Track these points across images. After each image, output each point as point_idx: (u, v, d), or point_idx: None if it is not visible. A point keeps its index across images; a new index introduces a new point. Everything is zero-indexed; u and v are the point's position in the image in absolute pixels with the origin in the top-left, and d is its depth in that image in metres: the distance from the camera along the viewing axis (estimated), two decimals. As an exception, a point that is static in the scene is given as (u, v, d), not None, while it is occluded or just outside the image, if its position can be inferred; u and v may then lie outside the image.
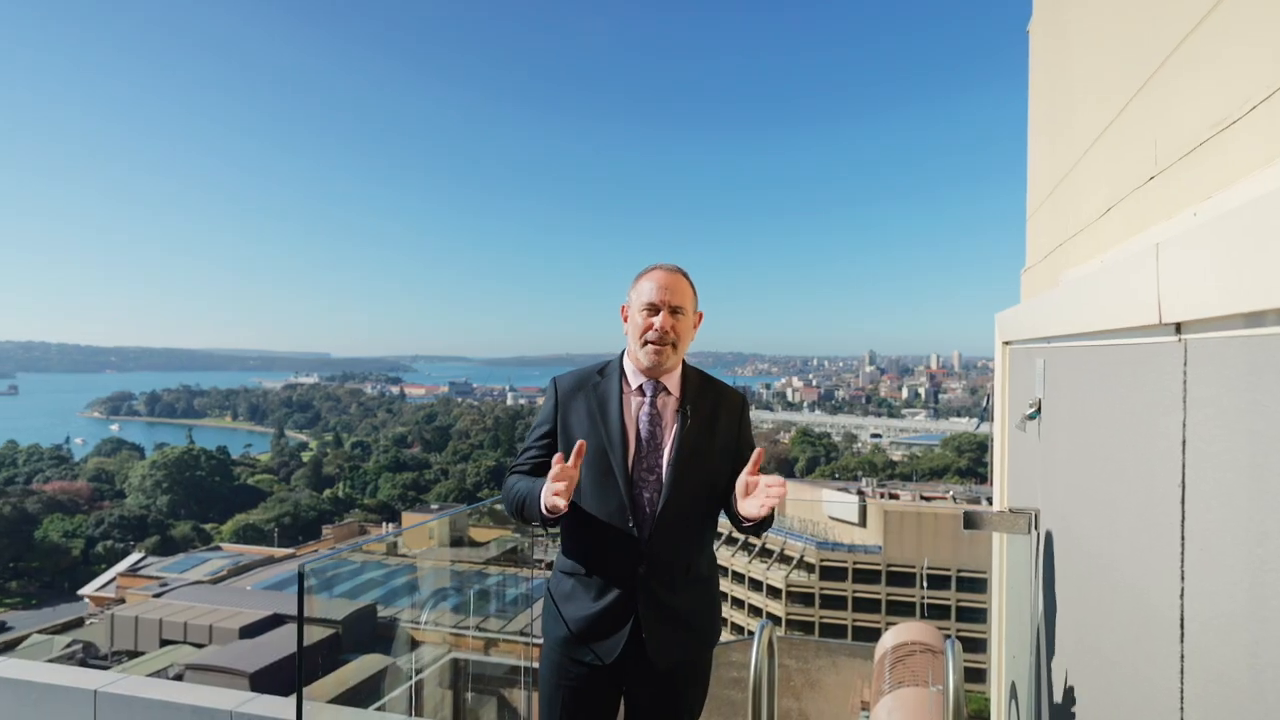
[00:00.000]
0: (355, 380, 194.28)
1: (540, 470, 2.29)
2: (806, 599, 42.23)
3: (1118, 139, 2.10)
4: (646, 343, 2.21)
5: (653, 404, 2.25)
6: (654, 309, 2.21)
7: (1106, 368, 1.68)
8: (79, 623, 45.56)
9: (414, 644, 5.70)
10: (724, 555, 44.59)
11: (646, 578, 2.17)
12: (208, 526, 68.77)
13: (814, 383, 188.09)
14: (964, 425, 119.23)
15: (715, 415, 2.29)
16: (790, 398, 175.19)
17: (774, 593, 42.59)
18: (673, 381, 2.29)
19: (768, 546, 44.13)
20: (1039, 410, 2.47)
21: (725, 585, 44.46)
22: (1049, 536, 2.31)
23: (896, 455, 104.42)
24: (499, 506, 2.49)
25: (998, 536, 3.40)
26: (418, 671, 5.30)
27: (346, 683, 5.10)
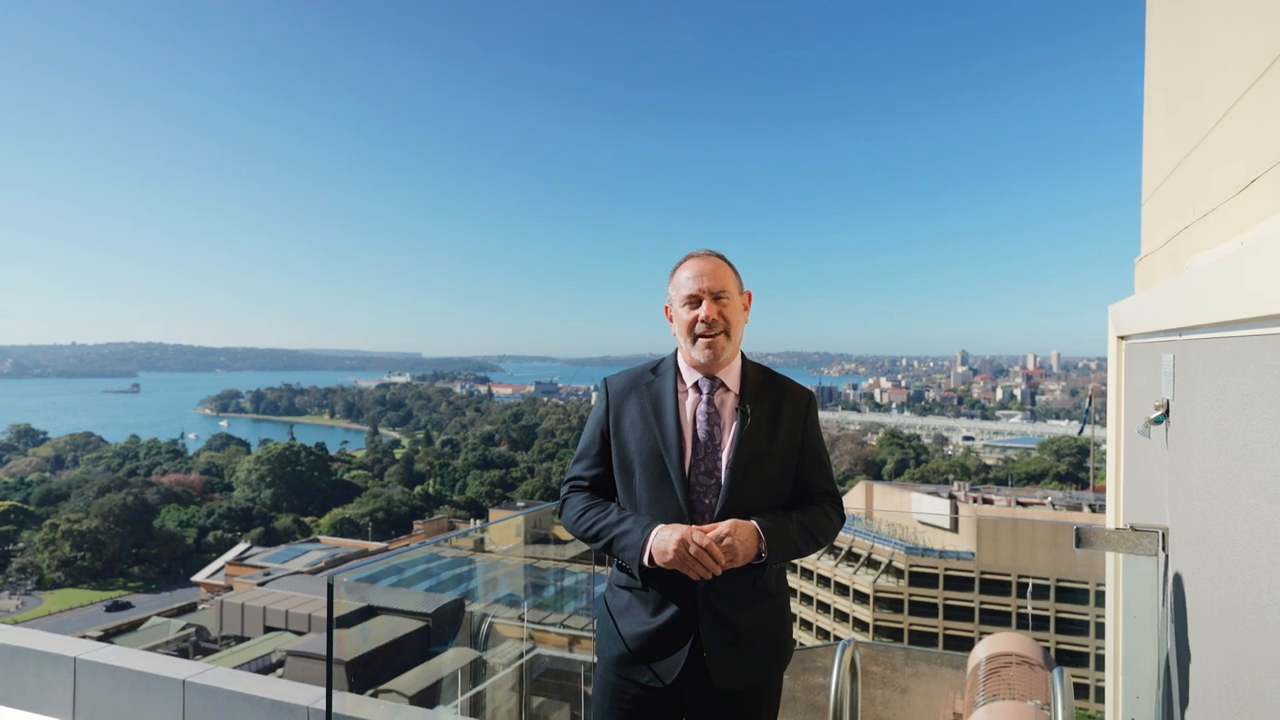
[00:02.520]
0: (445, 380, 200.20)
1: (599, 485, 2.19)
2: (895, 605, 41.02)
3: (1262, 102, 1.82)
4: (696, 337, 2.08)
5: (709, 402, 2.11)
6: (695, 300, 2.08)
7: (1256, 363, 1.44)
8: (192, 607, 48.46)
9: (501, 639, 5.76)
10: (808, 558, 43.71)
11: (707, 591, 2.01)
12: (307, 519, 71.92)
13: (903, 383, 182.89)
14: (1064, 428, 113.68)
15: (778, 412, 2.12)
16: (878, 398, 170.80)
17: (861, 598, 41.52)
18: (731, 377, 2.14)
19: (854, 550, 43.08)
20: (1167, 413, 2.18)
21: (810, 589, 43.63)
22: (1182, 560, 2.03)
23: (990, 459, 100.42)
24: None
25: (1113, 556, 3.06)
26: (504, 666, 5.34)
27: (435, 674, 5.16)
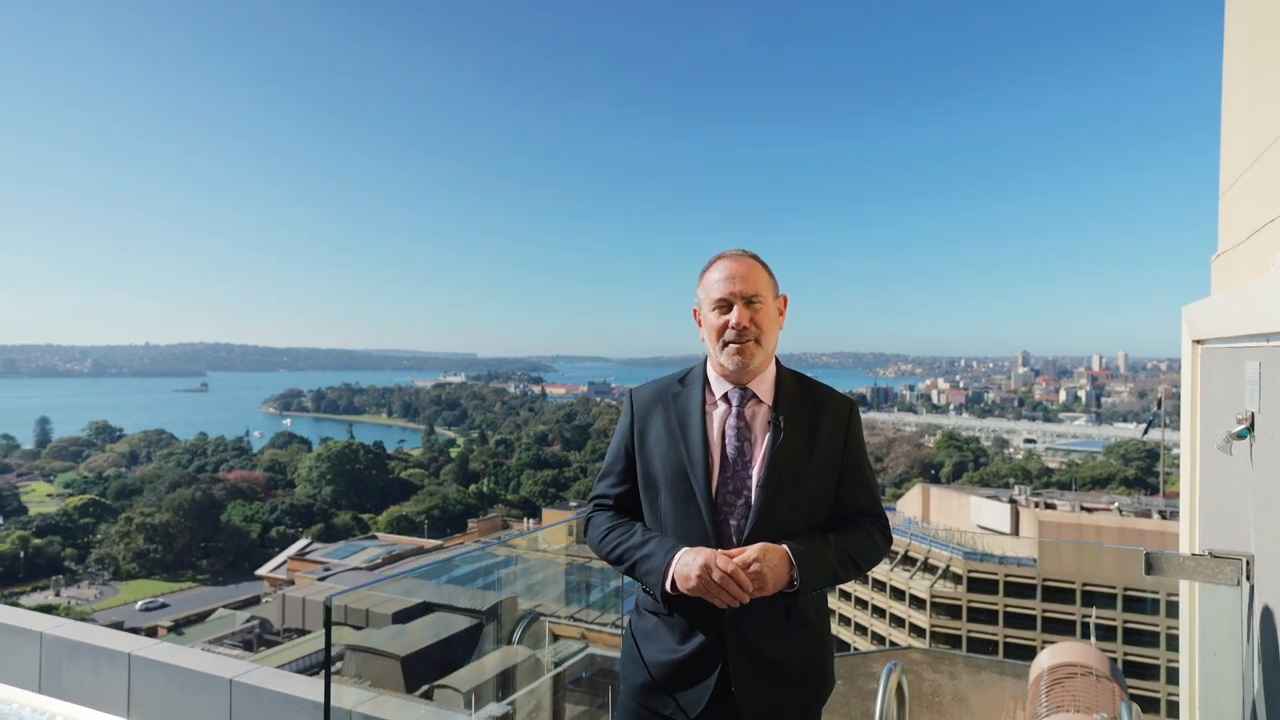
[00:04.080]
0: (499, 379, 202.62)
1: (625, 504, 2.07)
2: (953, 611, 40.03)
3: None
4: (726, 343, 1.93)
5: (740, 415, 1.96)
6: (725, 304, 1.94)
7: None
8: (256, 600, 50.04)
9: (553, 638, 5.82)
10: (863, 562, 42.86)
11: (735, 619, 1.85)
12: (365, 516, 73.56)
13: (961, 384, 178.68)
14: (1131, 431, 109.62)
15: (815, 425, 1.95)
16: (935, 400, 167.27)
17: (917, 603, 40.64)
18: (763, 387, 1.99)
19: (910, 554, 42.17)
20: (1251, 427, 1.99)
21: (865, 592, 42.84)
22: (1270, 592, 1.83)
23: (1053, 462, 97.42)
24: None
25: (1189, 584, 2.81)
26: (556, 665, 5.37)
27: (487, 671, 5.19)
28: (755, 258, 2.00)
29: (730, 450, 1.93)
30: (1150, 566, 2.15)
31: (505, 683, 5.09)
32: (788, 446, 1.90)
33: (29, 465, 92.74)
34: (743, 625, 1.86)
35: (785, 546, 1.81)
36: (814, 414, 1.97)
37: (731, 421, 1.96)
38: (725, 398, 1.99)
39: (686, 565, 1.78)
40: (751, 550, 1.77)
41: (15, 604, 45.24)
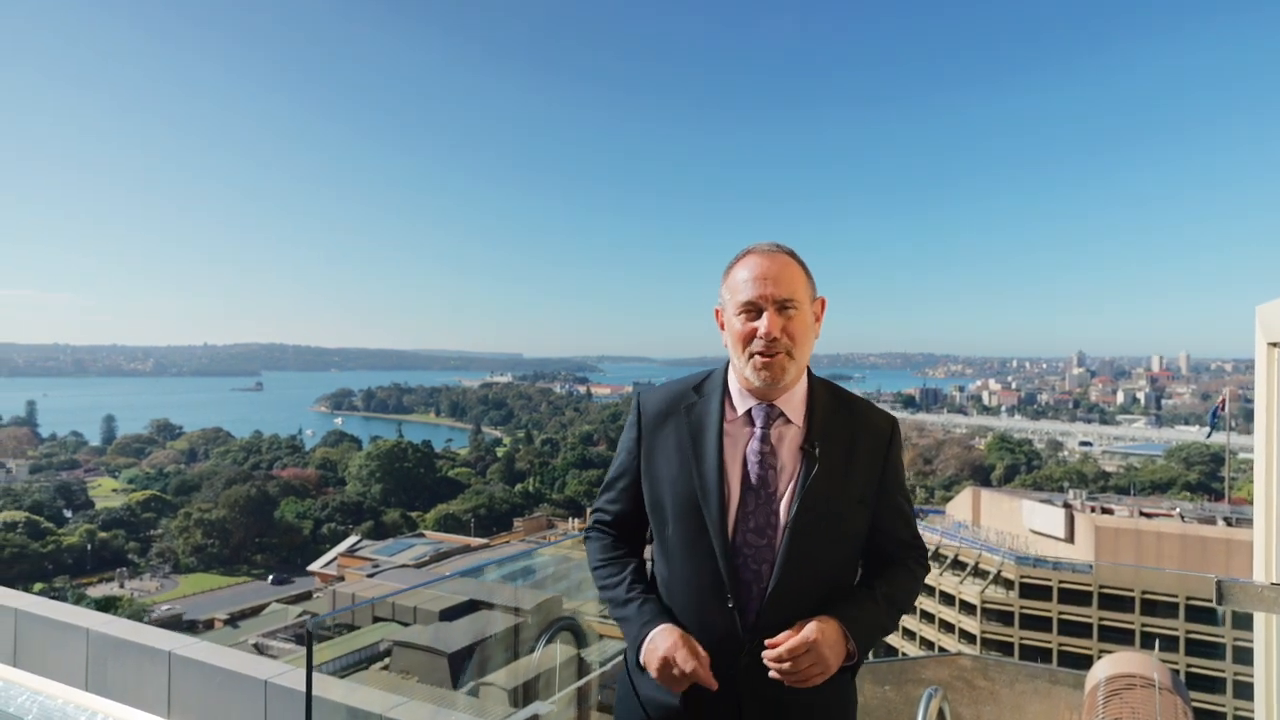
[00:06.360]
0: (545, 380, 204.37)
1: (625, 524, 1.82)
2: (1005, 617, 39.07)
3: None
4: (752, 355, 1.62)
5: (764, 438, 1.65)
6: (754, 309, 1.62)
7: None
8: (308, 595, 51.20)
9: (598, 637, 5.75)
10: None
11: (751, 672, 1.57)
12: (413, 514, 74.71)
13: (1013, 385, 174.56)
14: (1194, 434, 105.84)
15: (853, 450, 1.66)
16: (986, 401, 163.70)
17: (967, 608, 39.73)
18: (793, 404, 1.68)
19: (960, 559, 41.24)
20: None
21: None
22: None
23: (1110, 465, 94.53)
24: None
25: (1265, 616, 2.57)
26: (600, 665, 5.32)
27: (530, 671, 5.17)
28: (791, 254, 1.67)
29: (753, 478, 1.63)
30: (1222, 596, 1.96)
31: (548, 681, 5.06)
32: (823, 479, 1.61)
33: (96, 461, 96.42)
34: (759, 679, 1.58)
35: (839, 623, 1.56)
36: (852, 437, 1.68)
37: (755, 446, 1.65)
38: (749, 416, 1.68)
39: (652, 650, 1.58)
40: (809, 630, 1.52)
41: (83, 595, 47.09)
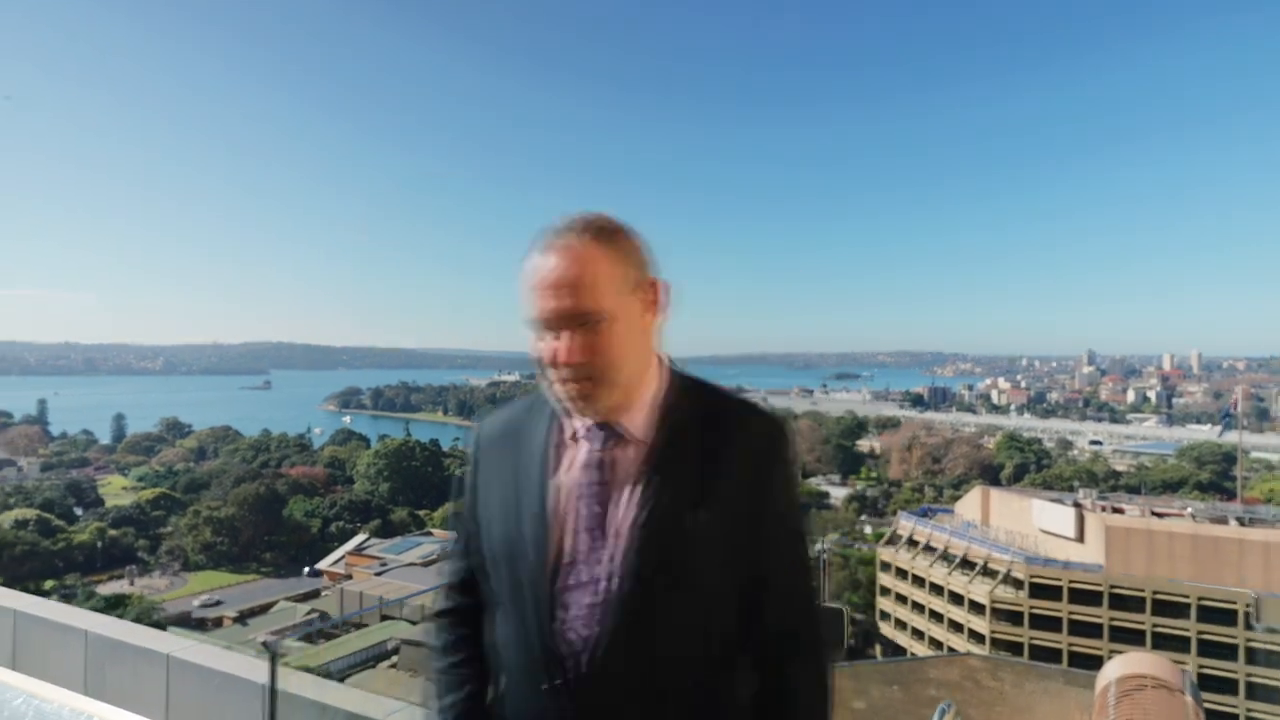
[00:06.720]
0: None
1: (467, 597, 1.38)
2: (1014, 617, 38.88)
3: None
4: (556, 380, 1.22)
5: (598, 464, 1.23)
6: (544, 327, 1.21)
7: None
8: (315, 594, 51.37)
9: None
10: (920, 564, 41.98)
11: None
12: (421, 513, 74.88)
13: (1023, 384, 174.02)
14: (1206, 434, 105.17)
15: (713, 473, 1.20)
16: (995, 400, 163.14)
17: (976, 608, 39.54)
18: (637, 419, 1.24)
19: (969, 559, 41.05)
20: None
21: (921, 596, 41.88)
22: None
23: (1121, 464, 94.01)
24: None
25: None
26: None
27: None
28: (595, 235, 1.21)
29: (583, 514, 1.22)
30: (1263, 613, 1.86)
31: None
32: (668, 506, 1.18)
33: (106, 459, 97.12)
34: None
35: None
36: (713, 451, 1.22)
37: (580, 476, 1.24)
38: (587, 433, 1.26)
39: None
40: None
41: (93, 593, 47.33)
